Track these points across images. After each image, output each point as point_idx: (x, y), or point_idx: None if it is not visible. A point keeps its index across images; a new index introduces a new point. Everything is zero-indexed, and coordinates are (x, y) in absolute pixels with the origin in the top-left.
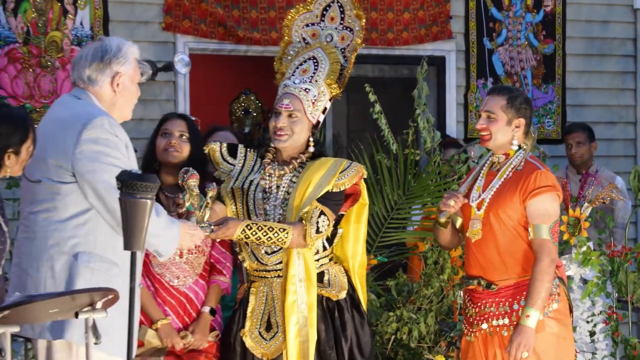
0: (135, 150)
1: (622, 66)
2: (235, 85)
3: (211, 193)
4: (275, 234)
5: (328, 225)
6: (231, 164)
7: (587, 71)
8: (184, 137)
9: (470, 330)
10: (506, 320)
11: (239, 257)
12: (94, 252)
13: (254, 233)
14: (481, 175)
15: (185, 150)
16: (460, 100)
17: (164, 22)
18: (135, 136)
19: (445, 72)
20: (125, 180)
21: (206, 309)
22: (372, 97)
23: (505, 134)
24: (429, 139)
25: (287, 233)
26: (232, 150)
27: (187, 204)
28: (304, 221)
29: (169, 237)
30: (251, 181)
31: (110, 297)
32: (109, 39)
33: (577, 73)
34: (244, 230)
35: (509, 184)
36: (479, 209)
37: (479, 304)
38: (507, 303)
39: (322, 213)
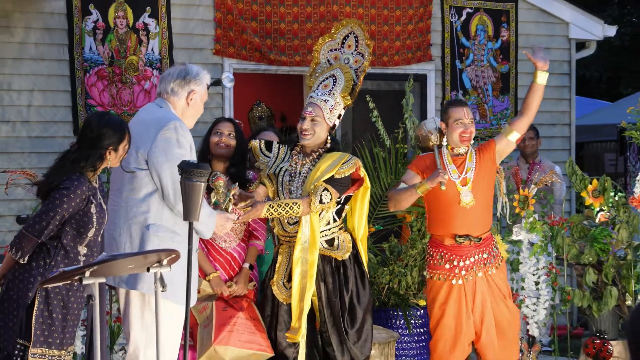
0: None
1: (560, 81)
2: (267, 96)
3: (233, 191)
4: (290, 208)
5: (330, 199)
6: (267, 156)
7: None
8: (231, 135)
9: (458, 276)
10: (492, 261)
11: (271, 225)
12: (162, 224)
13: (275, 210)
14: (448, 161)
15: (232, 145)
16: (438, 107)
17: (214, 48)
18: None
19: (427, 86)
20: (185, 168)
21: (246, 265)
22: (371, 105)
23: None
24: (414, 136)
25: (299, 206)
26: (268, 146)
27: (213, 200)
28: (310, 194)
29: (211, 225)
30: (281, 168)
31: (173, 256)
32: (190, 65)
33: (527, 87)
34: (268, 209)
35: (478, 160)
36: (464, 185)
37: (468, 255)
38: (487, 250)
39: (325, 189)
